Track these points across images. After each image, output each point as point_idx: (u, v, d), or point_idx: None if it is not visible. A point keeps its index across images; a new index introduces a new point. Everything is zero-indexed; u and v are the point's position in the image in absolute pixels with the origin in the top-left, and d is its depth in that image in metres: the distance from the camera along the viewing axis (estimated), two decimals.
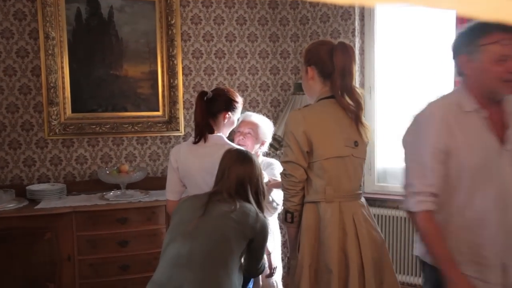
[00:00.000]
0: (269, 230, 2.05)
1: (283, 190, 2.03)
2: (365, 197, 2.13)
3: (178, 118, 3.57)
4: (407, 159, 1.76)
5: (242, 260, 2.00)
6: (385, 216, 3.53)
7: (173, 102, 3.56)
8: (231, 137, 2.44)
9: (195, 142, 2.27)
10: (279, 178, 2.16)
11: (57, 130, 3.33)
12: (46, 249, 2.94)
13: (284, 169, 2.00)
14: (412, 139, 1.74)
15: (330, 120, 1.99)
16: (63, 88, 3.33)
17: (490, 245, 1.64)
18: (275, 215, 2.65)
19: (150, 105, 3.55)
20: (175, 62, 3.51)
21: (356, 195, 2.03)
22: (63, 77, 3.32)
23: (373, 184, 3.68)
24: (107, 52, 3.42)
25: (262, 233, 1.98)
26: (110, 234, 3.04)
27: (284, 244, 3.28)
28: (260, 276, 2.43)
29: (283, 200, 2.05)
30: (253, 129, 2.61)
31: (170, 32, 3.48)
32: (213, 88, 3.56)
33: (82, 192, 3.37)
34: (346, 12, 3.57)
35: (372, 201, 3.51)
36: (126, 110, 3.50)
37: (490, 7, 0.62)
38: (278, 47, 3.82)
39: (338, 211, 1.95)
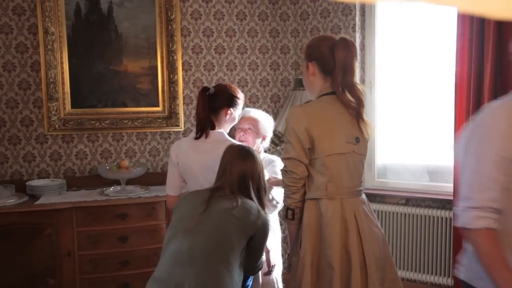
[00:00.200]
0: (270, 227, 2.05)
1: (284, 187, 2.03)
2: (365, 193, 2.13)
3: (178, 113, 3.56)
4: (464, 169, 1.52)
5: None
6: (385, 211, 3.53)
7: (173, 97, 3.55)
8: (231, 133, 2.43)
9: (196, 138, 2.27)
10: (280, 176, 2.16)
11: (56, 126, 3.33)
12: (46, 244, 2.94)
13: (285, 166, 2.00)
14: (471, 146, 1.50)
15: (331, 116, 1.98)
16: (63, 83, 3.32)
17: None
18: (276, 212, 2.64)
19: (150, 101, 3.54)
20: (175, 57, 3.50)
21: (357, 192, 2.03)
22: (62, 73, 3.31)
23: (373, 179, 3.68)
24: (107, 47, 3.41)
25: (263, 230, 1.98)
26: (110, 229, 3.04)
27: (284, 240, 3.28)
28: (260, 272, 2.43)
29: (284, 197, 2.04)
30: (253, 124, 2.61)
31: (170, 27, 3.47)
32: (213, 83, 3.57)
33: (82, 187, 3.36)
34: (347, 7, 3.56)
35: (372, 197, 3.51)
36: (126, 106, 3.49)
37: (492, 4, 0.61)
38: (278, 42, 3.80)
39: (339, 208, 1.94)
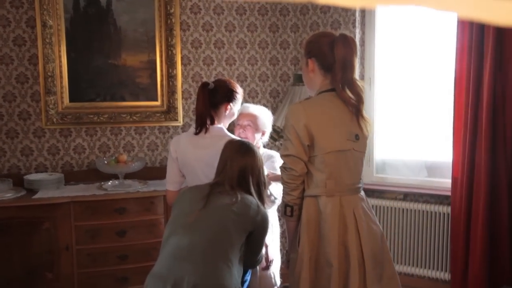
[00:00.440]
0: (269, 222, 2.06)
1: (283, 183, 2.03)
2: (364, 188, 2.13)
3: (177, 108, 3.55)
4: None
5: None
6: (384, 207, 3.54)
7: (171, 92, 3.53)
8: (230, 129, 2.42)
9: (196, 133, 2.26)
10: (279, 171, 2.16)
11: (54, 120, 3.31)
12: (44, 239, 2.94)
13: (284, 163, 1.99)
14: None
15: (331, 113, 1.98)
16: (61, 77, 3.30)
17: None
18: (275, 207, 2.65)
19: (149, 95, 3.52)
20: (174, 51, 3.48)
21: (356, 189, 2.03)
22: (60, 66, 3.29)
23: (371, 175, 3.68)
24: (106, 41, 3.39)
25: (262, 226, 1.99)
26: (109, 224, 3.03)
27: (282, 235, 3.28)
28: (258, 267, 2.44)
29: (283, 194, 2.04)
30: (252, 120, 2.61)
31: (169, 21, 3.45)
32: (212, 78, 3.56)
33: (80, 181, 3.35)
34: None
35: (371, 192, 3.52)
36: (124, 100, 3.48)
37: (491, 9, 0.60)
38: (278, 37, 3.79)
39: (338, 205, 1.94)
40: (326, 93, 2.00)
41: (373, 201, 3.52)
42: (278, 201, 2.50)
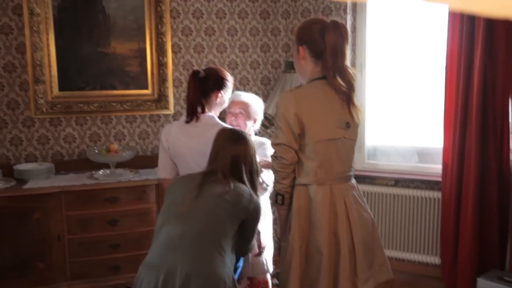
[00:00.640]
0: (261, 211, 2.06)
1: (274, 172, 2.03)
2: (355, 175, 2.14)
3: (168, 96, 3.53)
4: None
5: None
6: (375, 193, 3.56)
7: (162, 80, 3.50)
8: (221, 118, 2.41)
9: (187, 122, 2.25)
10: (270, 159, 2.15)
11: (44, 109, 3.28)
12: (35, 229, 2.93)
13: (275, 152, 1.99)
14: None
15: (321, 101, 1.97)
16: (50, 66, 3.26)
17: None
18: (267, 194, 2.65)
19: (139, 83, 3.49)
20: (164, 39, 3.45)
21: (347, 177, 2.04)
22: (49, 55, 3.25)
23: (363, 161, 3.70)
24: (94, 29, 3.34)
25: (254, 214, 1.99)
26: (100, 213, 3.03)
27: (275, 222, 3.29)
28: (250, 254, 2.45)
29: (274, 182, 2.05)
30: (244, 108, 2.59)
31: (158, 9, 3.41)
32: (203, 66, 3.53)
33: (70, 171, 3.33)
34: None
35: (362, 178, 3.53)
36: (114, 88, 3.45)
37: (483, 3, 0.60)
38: (269, 24, 3.76)
39: (329, 193, 1.95)
40: (317, 81, 1.99)
41: (364, 187, 3.54)
42: (270, 188, 2.51)
